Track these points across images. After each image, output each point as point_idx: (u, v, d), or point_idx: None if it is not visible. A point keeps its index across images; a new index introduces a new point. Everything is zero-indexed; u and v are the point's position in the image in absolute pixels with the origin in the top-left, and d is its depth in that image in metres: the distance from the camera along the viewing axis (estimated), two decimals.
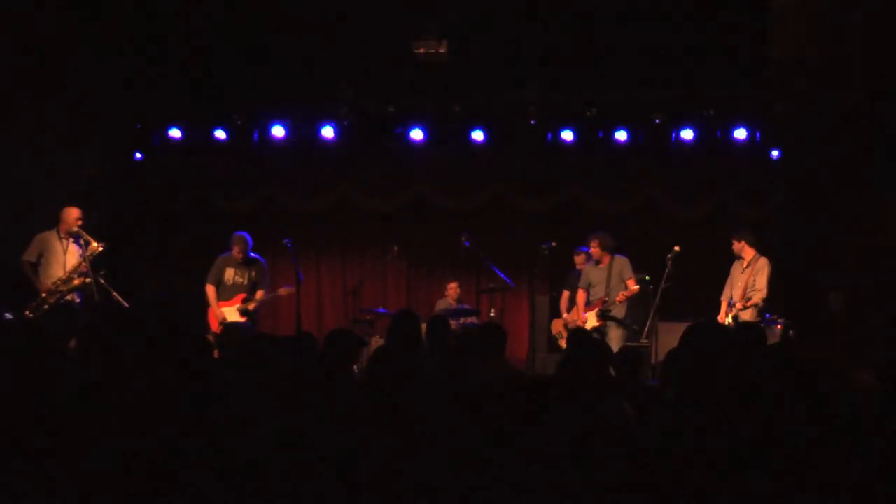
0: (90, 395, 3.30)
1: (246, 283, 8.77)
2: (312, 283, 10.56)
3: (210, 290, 8.75)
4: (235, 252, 8.75)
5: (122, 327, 3.71)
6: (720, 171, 9.62)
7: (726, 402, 3.35)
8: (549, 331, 9.60)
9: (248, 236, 8.80)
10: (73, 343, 4.51)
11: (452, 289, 9.75)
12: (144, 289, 9.61)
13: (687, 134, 9.44)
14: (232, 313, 8.70)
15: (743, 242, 8.37)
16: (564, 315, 9.19)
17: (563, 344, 9.07)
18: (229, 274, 8.77)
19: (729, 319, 8.22)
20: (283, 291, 8.89)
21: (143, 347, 3.72)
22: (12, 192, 8.53)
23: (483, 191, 10.20)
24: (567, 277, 9.37)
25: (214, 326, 8.71)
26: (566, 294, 9.29)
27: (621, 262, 8.58)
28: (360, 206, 10.49)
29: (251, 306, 8.72)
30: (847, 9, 7.40)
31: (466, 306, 9.75)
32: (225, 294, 8.75)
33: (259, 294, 8.80)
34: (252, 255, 8.82)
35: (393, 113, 9.84)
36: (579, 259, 9.19)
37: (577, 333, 7.09)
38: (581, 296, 8.75)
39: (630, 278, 8.47)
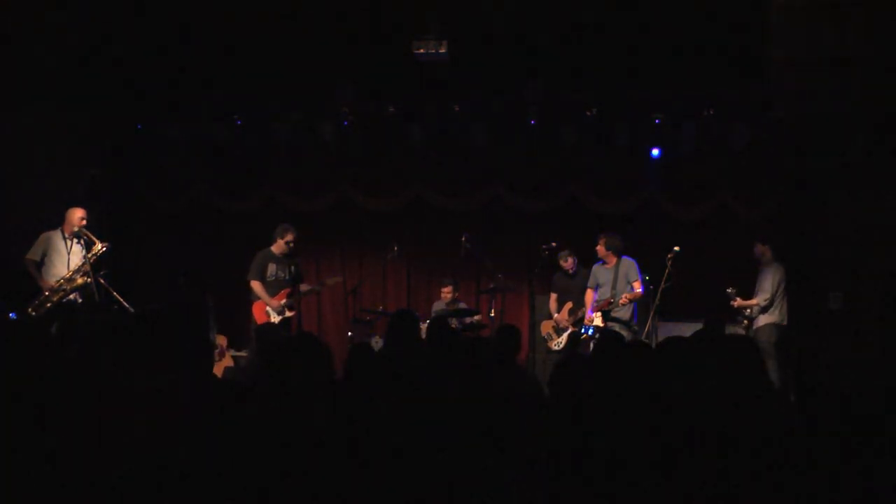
0: (91, 396, 3.30)
1: (288, 277, 8.65)
2: (312, 284, 10.54)
3: (258, 285, 8.60)
4: (283, 244, 8.62)
5: (124, 328, 3.70)
6: (720, 171, 9.62)
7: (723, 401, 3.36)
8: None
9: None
10: (74, 343, 4.51)
11: (447, 292, 9.75)
12: (144, 289, 9.62)
13: (687, 134, 9.45)
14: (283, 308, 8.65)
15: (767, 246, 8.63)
16: (555, 316, 9.23)
17: (552, 345, 9.14)
18: (271, 269, 8.66)
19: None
20: (329, 281, 8.86)
21: (146, 348, 3.72)
22: (14, 192, 8.54)
23: (483, 191, 10.20)
24: (553, 280, 9.39)
25: (261, 320, 8.55)
26: (553, 296, 9.33)
27: (627, 264, 8.60)
28: (360, 206, 10.48)
29: (295, 298, 8.64)
30: (847, 9, 7.41)
31: (464, 306, 9.76)
32: (269, 290, 8.62)
33: (303, 287, 8.75)
34: None
35: (393, 113, 9.83)
36: (570, 262, 9.23)
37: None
38: (589, 295, 8.79)
39: (636, 280, 8.48)
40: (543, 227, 10.04)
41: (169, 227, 10.54)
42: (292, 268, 8.66)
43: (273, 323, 8.30)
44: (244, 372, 8.31)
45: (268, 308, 8.60)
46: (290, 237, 8.61)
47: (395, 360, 4.95)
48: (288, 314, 8.61)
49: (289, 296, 8.62)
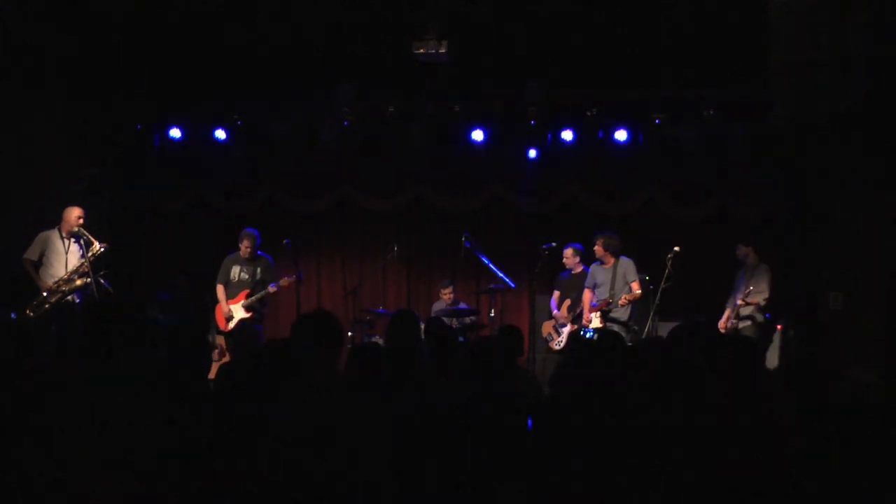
0: (88, 396, 3.30)
1: (250, 279, 8.89)
2: (312, 283, 10.56)
3: (219, 288, 8.94)
4: (243, 248, 8.88)
5: (121, 327, 3.70)
6: (720, 171, 9.62)
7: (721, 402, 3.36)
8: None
9: (256, 233, 8.93)
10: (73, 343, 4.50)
11: (447, 293, 9.75)
12: (144, 289, 9.62)
13: (686, 134, 9.44)
14: (237, 309, 8.84)
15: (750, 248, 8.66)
16: (555, 314, 9.21)
17: (553, 345, 9.12)
18: (235, 271, 8.94)
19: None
20: (284, 282, 8.92)
21: (141, 347, 3.72)
22: (13, 192, 8.53)
23: (483, 191, 10.21)
24: (556, 278, 9.39)
25: (222, 324, 8.87)
26: (556, 294, 9.31)
27: (626, 265, 8.58)
28: (360, 206, 10.49)
29: (252, 300, 8.81)
30: (847, 9, 7.40)
31: (464, 305, 9.75)
32: (231, 291, 8.92)
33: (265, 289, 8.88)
34: (259, 252, 8.95)
35: (393, 113, 9.83)
36: (568, 252, 9.18)
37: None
38: (587, 295, 8.77)
39: (634, 280, 8.47)
40: (543, 227, 10.04)
41: (169, 227, 10.55)
42: (258, 270, 8.87)
43: (247, 321, 8.71)
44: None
45: (225, 309, 8.89)
46: (246, 242, 8.84)
47: (397, 359, 4.94)
48: (245, 315, 8.81)
49: (247, 297, 8.84)
